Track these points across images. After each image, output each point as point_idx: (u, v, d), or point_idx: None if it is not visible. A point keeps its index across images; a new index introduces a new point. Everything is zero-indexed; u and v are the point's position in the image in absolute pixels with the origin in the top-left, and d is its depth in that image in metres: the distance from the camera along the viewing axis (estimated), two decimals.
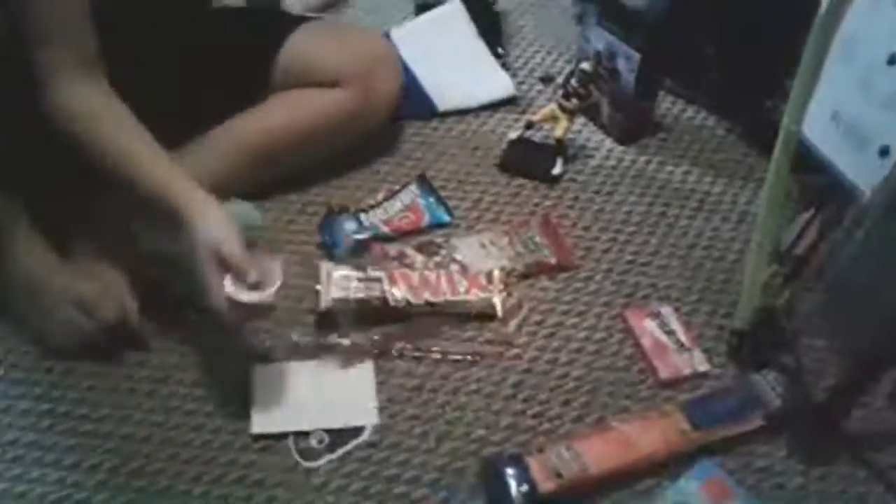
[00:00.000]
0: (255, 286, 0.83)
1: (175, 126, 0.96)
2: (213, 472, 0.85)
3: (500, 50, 1.38)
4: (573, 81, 1.15)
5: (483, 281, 1.01)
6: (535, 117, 1.20)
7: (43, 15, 0.87)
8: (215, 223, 0.84)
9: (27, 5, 0.87)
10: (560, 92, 1.17)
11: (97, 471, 0.85)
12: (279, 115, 1.07)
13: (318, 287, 0.98)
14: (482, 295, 1.00)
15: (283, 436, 0.88)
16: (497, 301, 1.00)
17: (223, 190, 1.03)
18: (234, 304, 0.83)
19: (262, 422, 0.88)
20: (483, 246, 1.07)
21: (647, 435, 0.86)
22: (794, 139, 0.91)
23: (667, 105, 1.30)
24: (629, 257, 1.09)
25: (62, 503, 0.83)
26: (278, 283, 0.84)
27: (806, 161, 0.91)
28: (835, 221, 0.93)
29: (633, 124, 1.23)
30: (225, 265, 0.83)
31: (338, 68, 1.07)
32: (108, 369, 0.93)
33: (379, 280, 0.98)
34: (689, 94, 1.30)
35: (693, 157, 1.23)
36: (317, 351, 0.95)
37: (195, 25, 1.07)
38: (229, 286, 0.82)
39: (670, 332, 0.99)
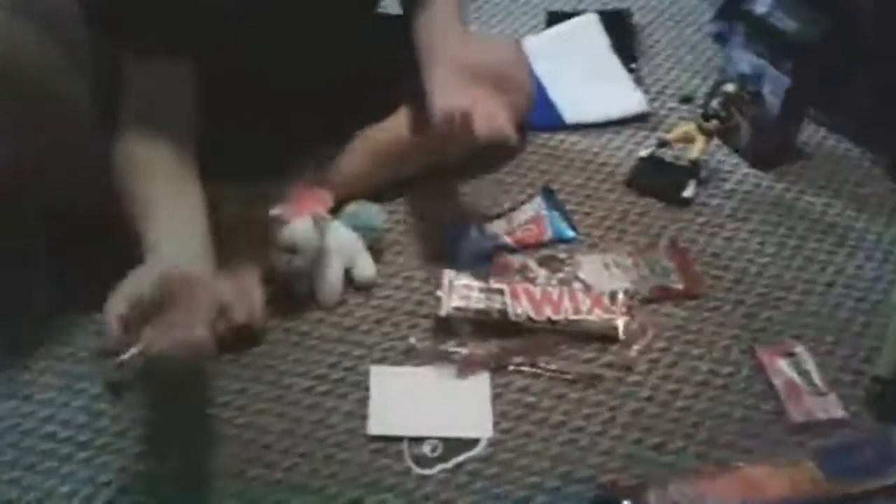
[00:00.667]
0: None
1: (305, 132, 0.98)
2: (329, 468, 0.86)
3: (633, 65, 1.35)
4: (714, 103, 1.11)
5: (606, 302, 0.98)
6: (670, 136, 1.16)
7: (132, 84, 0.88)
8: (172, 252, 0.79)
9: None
10: (699, 112, 1.13)
11: (213, 457, 0.87)
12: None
13: (440, 293, 0.98)
14: (605, 316, 0.97)
15: (397, 439, 0.88)
16: (620, 324, 0.97)
17: (350, 190, 1.06)
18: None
19: (378, 423, 0.88)
20: (607, 266, 1.04)
21: (775, 480, 0.81)
22: None
23: (808, 132, 1.24)
24: (761, 290, 1.04)
25: (182, 479, 0.86)
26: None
27: None
28: None
29: (773, 149, 1.17)
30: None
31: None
32: (232, 362, 0.95)
33: (501, 292, 0.97)
34: (832, 123, 1.23)
35: (835, 189, 1.17)
36: (433, 357, 0.95)
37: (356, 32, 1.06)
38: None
39: (804, 373, 0.93)
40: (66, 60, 0.90)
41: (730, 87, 1.11)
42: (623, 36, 1.39)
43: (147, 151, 0.87)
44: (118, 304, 0.70)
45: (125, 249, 0.80)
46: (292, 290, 1.00)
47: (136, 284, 0.71)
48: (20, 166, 0.90)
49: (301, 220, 0.97)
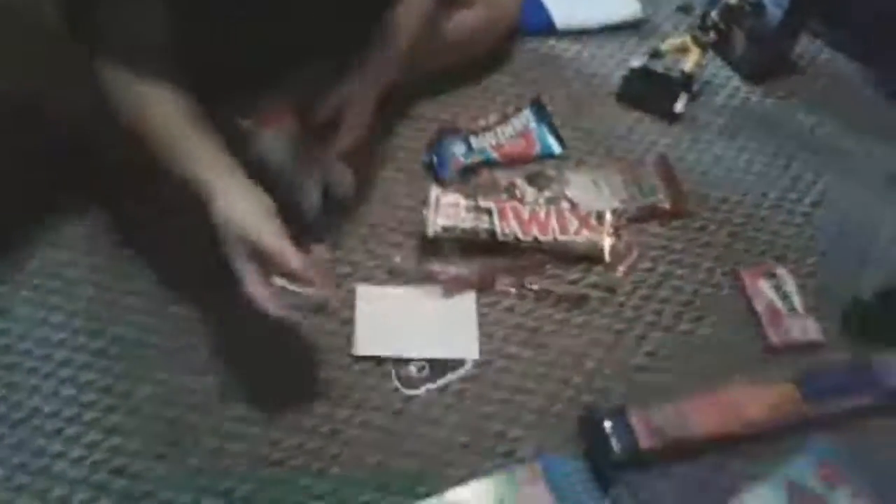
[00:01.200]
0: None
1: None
2: (315, 388, 0.86)
3: None
4: (714, 14, 1.07)
5: (593, 222, 0.97)
6: (664, 46, 1.12)
7: None
8: (243, 208, 0.76)
9: None
10: (697, 23, 1.09)
11: (208, 371, 0.86)
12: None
13: (425, 212, 0.96)
14: (591, 237, 0.96)
15: (383, 360, 0.88)
16: (606, 245, 0.96)
17: None
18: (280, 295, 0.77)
19: (364, 344, 0.88)
20: (595, 183, 1.02)
21: (755, 402, 0.84)
22: None
23: (804, 45, 1.21)
24: (747, 210, 1.03)
25: (170, 394, 0.86)
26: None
27: None
28: None
29: (768, 62, 1.14)
30: (259, 256, 0.75)
31: None
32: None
33: (489, 212, 0.95)
34: (830, 36, 1.20)
35: (827, 107, 1.15)
36: (419, 277, 0.94)
37: None
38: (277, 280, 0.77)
39: (785, 296, 0.94)
40: None
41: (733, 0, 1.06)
42: None
43: (153, 92, 0.81)
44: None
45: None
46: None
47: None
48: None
49: (270, 131, 0.93)
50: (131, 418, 0.83)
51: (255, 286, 0.74)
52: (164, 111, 0.81)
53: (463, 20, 1.02)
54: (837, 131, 1.12)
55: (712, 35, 1.08)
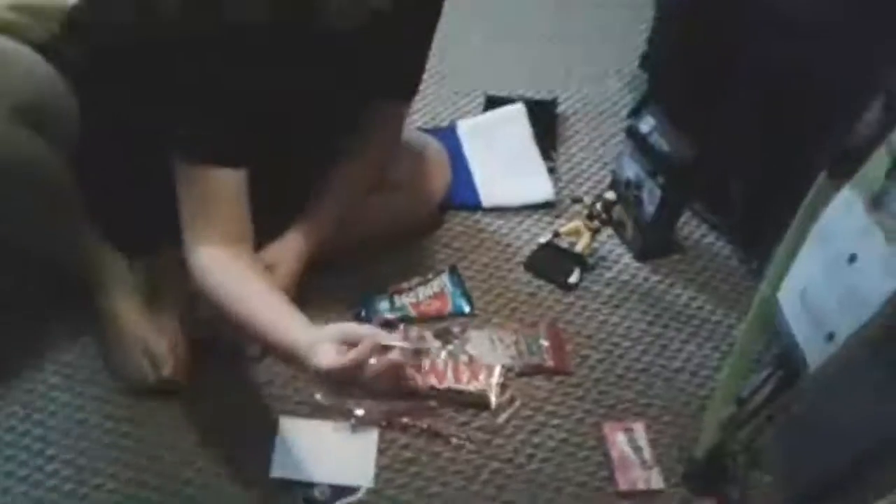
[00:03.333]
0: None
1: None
2: (232, 502, 1.05)
3: (552, 153, 1.53)
4: (598, 205, 1.30)
5: (484, 374, 1.17)
6: (563, 229, 1.35)
7: (194, 193, 1.01)
8: (317, 359, 0.91)
9: (181, 182, 1.01)
10: (585, 213, 1.32)
11: (131, 483, 1.05)
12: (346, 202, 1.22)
13: None
14: (480, 387, 1.16)
15: (294, 483, 1.07)
16: (492, 395, 1.16)
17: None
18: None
19: (280, 468, 1.08)
20: (492, 341, 1.23)
21: None
22: (769, 304, 1.03)
23: (690, 228, 1.43)
24: (619, 371, 1.23)
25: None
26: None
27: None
28: (790, 381, 1.04)
29: (650, 245, 1.36)
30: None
31: (396, 176, 1.25)
32: (157, 404, 1.13)
33: None
34: (713, 221, 1.42)
35: (702, 283, 1.36)
36: (333, 413, 1.14)
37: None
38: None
39: (637, 448, 1.12)
40: (56, 155, 1.05)
41: (609, 195, 1.30)
42: (546, 125, 1.57)
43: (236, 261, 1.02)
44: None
45: None
46: (218, 350, 1.17)
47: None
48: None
49: None
50: None
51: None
52: (255, 291, 1.01)
53: (391, 202, 1.26)
54: (709, 305, 1.33)
55: (596, 223, 1.30)
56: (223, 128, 1.00)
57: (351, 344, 0.90)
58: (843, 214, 0.95)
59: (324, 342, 0.91)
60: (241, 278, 1.01)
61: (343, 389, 0.95)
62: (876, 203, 0.89)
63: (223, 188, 1.02)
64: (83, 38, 1.07)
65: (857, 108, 0.98)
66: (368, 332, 0.93)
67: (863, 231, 0.90)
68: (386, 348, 0.90)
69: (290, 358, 0.97)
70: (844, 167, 0.96)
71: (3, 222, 1.07)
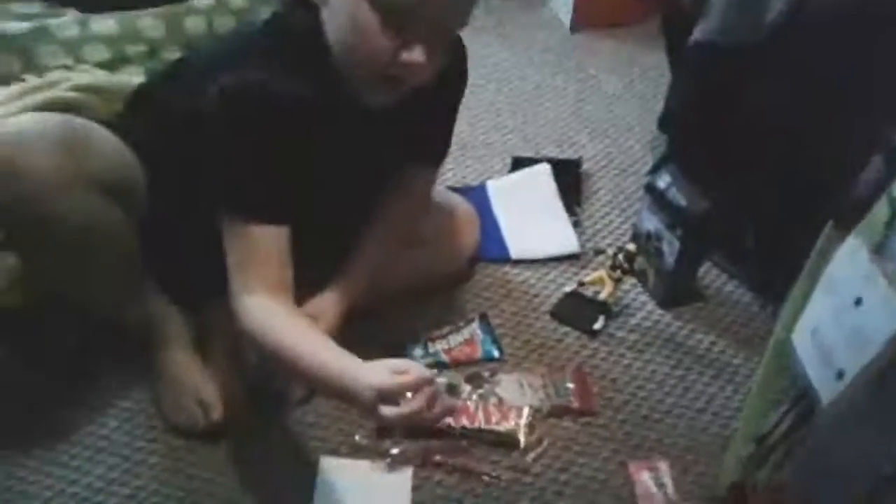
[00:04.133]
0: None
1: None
2: None
3: (576, 208, 1.62)
4: (620, 256, 1.38)
5: (513, 415, 1.24)
6: (587, 279, 1.43)
7: (240, 246, 1.09)
8: (366, 377, 0.99)
9: (229, 237, 1.09)
10: (608, 262, 1.40)
11: None
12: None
13: None
14: (510, 427, 1.22)
15: None
16: (521, 435, 1.22)
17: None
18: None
19: None
20: (521, 385, 1.30)
21: None
22: (783, 345, 1.09)
23: (711, 277, 1.50)
24: (644, 412, 1.28)
25: None
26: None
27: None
28: (806, 418, 1.09)
29: (672, 294, 1.43)
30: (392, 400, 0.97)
31: (427, 233, 1.35)
32: (209, 446, 1.21)
33: None
34: (731, 271, 1.49)
35: (723, 328, 1.42)
36: (372, 453, 1.21)
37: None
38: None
39: (661, 485, 1.17)
40: (128, 222, 1.15)
41: (630, 247, 1.38)
42: (570, 183, 1.67)
43: (281, 311, 1.09)
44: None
45: None
46: (267, 388, 1.27)
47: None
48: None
49: None
50: None
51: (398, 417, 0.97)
52: (299, 330, 1.07)
53: (422, 258, 1.35)
54: (730, 349, 1.38)
55: (619, 273, 1.38)
56: (267, 189, 1.10)
57: (398, 372, 0.98)
58: (849, 261, 1.02)
59: (373, 366, 0.99)
60: (285, 319, 1.09)
61: (386, 419, 0.99)
62: (878, 250, 0.96)
63: (266, 243, 1.10)
64: (147, 115, 1.20)
65: (861, 163, 1.06)
66: (415, 364, 1.01)
67: (867, 276, 0.96)
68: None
69: (338, 388, 1.02)
70: (849, 217, 1.03)
71: (78, 283, 1.18)
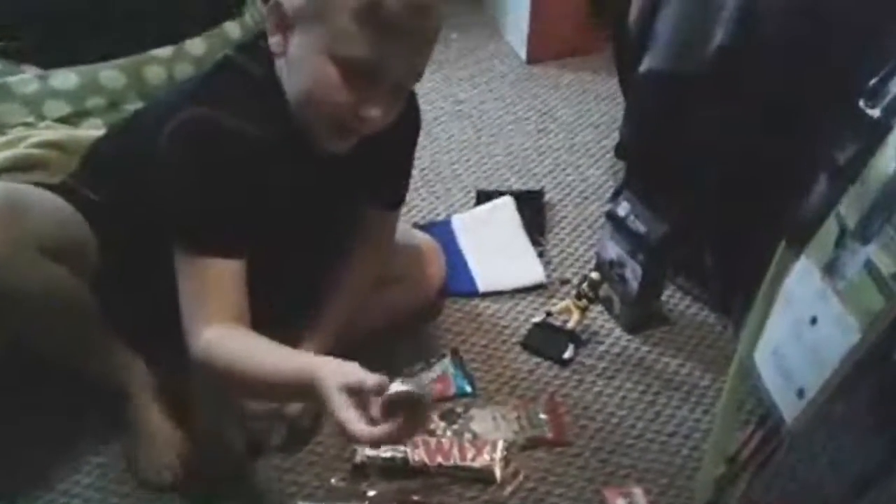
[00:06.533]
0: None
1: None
2: None
3: (541, 239, 1.65)
4: (584, 286, 1.40)
5: (488, 450, 1.25)
6: (554, 309, 1.45)
7: (195, 279, 1.07)
8: (335, 367, 0.96)
9: (182, 271, 1.07)
10: (574, 292, 1.42)
11: None
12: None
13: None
14: (485, 463, 1.23)
15: None
16: (497, 469, 1.23)
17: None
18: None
19: None
20: (494, 418, 1.31)
21: None
22: (745, 365, 1.11)
23: (675, 300, 1.53)
24: (617, 438, 1.30)
25: None
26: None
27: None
28: (772, 437, 1.12)
29: (638, 320, 1.45)
30: (361, 397, 0.93)
31: (393, 272, 1.35)
32: (182, 498, 1.20)
33: (403, 443, 1.24)
34: (694, 293, 1.52)
35: (689, 351, 1.44)
36: (349, 496, 1.21)
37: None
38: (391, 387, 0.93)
39: None
40: (79, 282, 1.14)
41: (594, 275, 1.40)
42: (534, 213, 1.69)
43: (242, 340, 1.07)
44: None
45: None
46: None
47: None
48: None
49: None
50: None
51: (357, 428, 0.91)
52: (260, 346, 1.05)
53: (390, 296, 1.35)
54: (697, 371, 1.41)
55: (584, 302, 1.40)
56: (221, 222, 1.08)
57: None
58: (802, 280, 1.04)
59: (338, 360, 0.97)
60: (244, 338, 1.07)
61: (360, 436, 0.93)
62: (829, 269, 0.99)
63: (221, 275, 1.08)
64: (100, 169, 1.20)
65: (809, 183, 1.09)
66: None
67: (820, 295, 0.99)
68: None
69: (306, 381, 0.97)
70: (799, 236, 1.07)
71: (35, 343, 1.17)
